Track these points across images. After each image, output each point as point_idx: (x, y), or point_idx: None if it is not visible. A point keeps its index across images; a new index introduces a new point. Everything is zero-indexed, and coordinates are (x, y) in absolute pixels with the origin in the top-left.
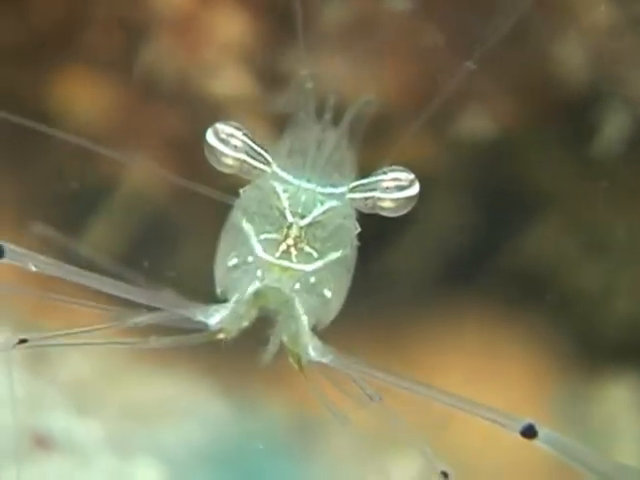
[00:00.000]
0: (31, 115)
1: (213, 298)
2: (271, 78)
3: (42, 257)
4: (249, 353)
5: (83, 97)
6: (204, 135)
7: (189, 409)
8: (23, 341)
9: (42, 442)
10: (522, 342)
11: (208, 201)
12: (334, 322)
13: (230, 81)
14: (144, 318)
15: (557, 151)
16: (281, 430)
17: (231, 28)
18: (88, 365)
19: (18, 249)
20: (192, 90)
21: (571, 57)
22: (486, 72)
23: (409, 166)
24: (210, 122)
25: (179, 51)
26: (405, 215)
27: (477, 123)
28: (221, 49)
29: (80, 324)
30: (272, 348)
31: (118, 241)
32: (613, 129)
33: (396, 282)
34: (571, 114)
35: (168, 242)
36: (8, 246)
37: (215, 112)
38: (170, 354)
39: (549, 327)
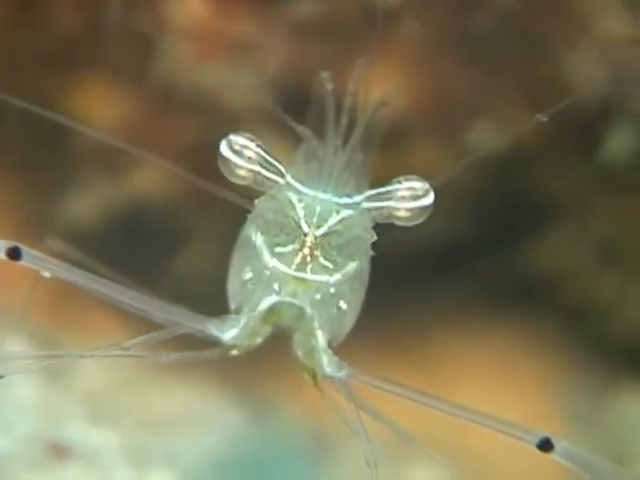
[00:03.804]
0: (47, 123)
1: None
2: (287, 89)
3: (58, 262)
4: (264, 362)
5: (100, 106)
6: (218, 146)
7: (205, 419)
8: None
9: (58, 451)
10: (537, 351)
11: (221, 206)
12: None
13: (245, 90)
14: (156, 334)
15: (569, 161)
16: (298, 438)
17: (247, 39)
18: (104, 375)
19: (35, 252)
20: (208, 101)
21: (583, 69)
22: (498, 84)
23: (424, 176)
24: (225, 133)
25: (195, 62)
26: (416, 225)
27: (490, 134)
28: (237, 60)
29: (95, 334)
30: None
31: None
32: (625, 140)
33: (408, 293)
34: (584, 125)
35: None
36: (25, 249)
37: (231, 123)
38: (186, 364)
39: (564, 335)
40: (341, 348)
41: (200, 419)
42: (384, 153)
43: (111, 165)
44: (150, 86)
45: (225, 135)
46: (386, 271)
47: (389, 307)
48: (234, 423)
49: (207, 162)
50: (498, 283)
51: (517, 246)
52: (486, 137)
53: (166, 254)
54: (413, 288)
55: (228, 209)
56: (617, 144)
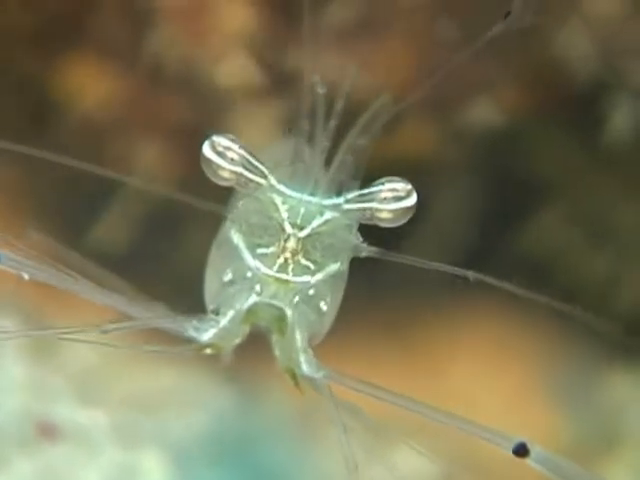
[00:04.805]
0: (39, 100)
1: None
2: (277, 67)
3: (37, 265)
4: (253, 342)
5: (90, 83)
6: (201, 146)
7: (194, 398)
8: None
9: (47, 431)
10: (529, 332)
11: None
12: (339, 313)
13: (235, 70)
14: (136, 324)
15: (563, 140)
16: (287, 418)
17: (237, 16)
18: (93, 354)
19: (14, 256)
20: (198, 78)
21: (576, 46)
22: (492, 61)
23: (416, 155)
24: (215, 110)
25: (185, 39)
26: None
27: (483, 112)
28: (227, 37)
29: (81, 318)
30: None
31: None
32: (619, 118)
33: (399, 271)
34: (577, 103)
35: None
36: (3, 252)
37: (220, 100)
38: (174, 344)
39: (556, 315)
40: (335, 330)
41: (189, 398)
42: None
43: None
44: (141, 64)
45: (209, 135)
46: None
47: (381, 289)
48: (223, 402)
49: (197, 140)
50: (490, 263)
51: (510, 226)
52: (478, 115)
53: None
54: (404, 269)
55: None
56: (612, 122)
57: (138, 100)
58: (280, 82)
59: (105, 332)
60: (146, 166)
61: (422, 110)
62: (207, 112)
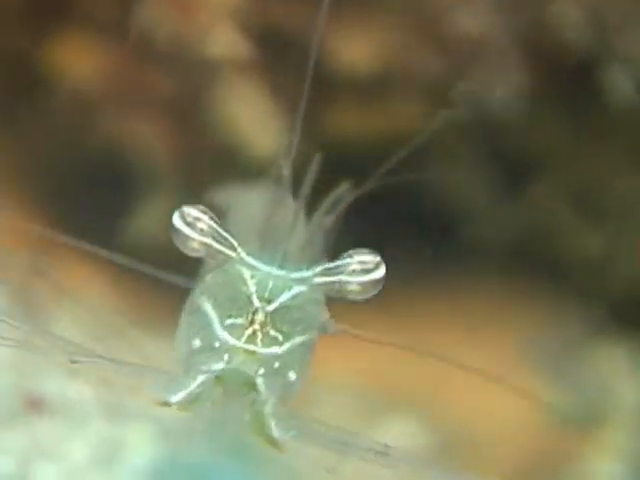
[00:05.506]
0: (30, 75)
1: None
2: (265, 39)
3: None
4: None
5: (80, 60)
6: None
7: None
8: None
9: (35, 405)
10: (520, 305)
11: None
12: None
13: (224, 42)
14: (100, 360)
15: (556, 114)
16: None
17: None
18: (81, 330)
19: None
20: (187, 52)
21: (568, 18)
22: (486, 38)
23: (413, 133)
24: (204, 83)
25: (173, 13)
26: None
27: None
28: (215, 10)
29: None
30: None
31: None
32: (613, 91)
33: (393, 245)
34: (570, 76)
35: None
36: None
37: (209, 73)
38: (161, 319)
39: (548, 291)
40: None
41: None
42: (368, 107)
43: None
44: (129, 38)
45: (179, 206)
46: (374, 231)
47: None
48: None
49: (186, 114)
50: (481, 237)
51: (504, 200)
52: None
53: None
54: (398, 246)
55: None
56: (606, 96)
57: (127, 75)
58: (268, 55)
59: (74, 362)
60: (136, 138)
61: (415, 88)
62: (196, 85)
